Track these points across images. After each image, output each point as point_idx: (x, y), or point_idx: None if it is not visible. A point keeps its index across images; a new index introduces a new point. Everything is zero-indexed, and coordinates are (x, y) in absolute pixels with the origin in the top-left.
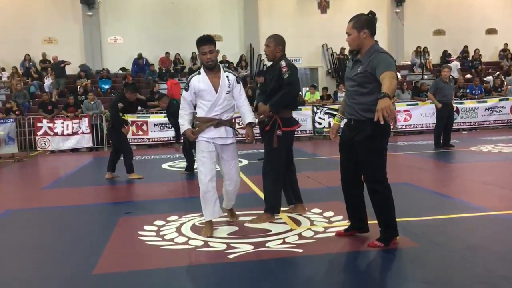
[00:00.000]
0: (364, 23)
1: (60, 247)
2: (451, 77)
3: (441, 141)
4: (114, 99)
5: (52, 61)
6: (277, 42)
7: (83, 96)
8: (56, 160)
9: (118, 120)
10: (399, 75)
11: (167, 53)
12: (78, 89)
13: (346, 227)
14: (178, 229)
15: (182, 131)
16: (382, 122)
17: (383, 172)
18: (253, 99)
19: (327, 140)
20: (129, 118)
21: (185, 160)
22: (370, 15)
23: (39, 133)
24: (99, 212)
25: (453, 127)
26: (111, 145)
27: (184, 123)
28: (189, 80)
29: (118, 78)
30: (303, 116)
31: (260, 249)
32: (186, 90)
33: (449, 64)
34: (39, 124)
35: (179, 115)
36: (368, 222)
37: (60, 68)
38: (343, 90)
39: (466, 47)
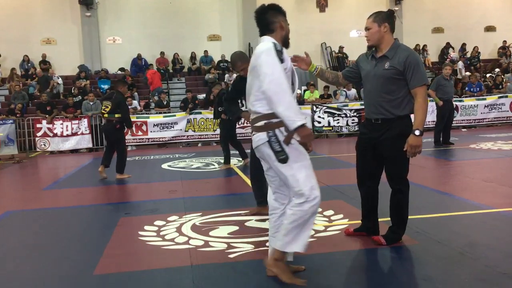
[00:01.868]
0: (385, 17)
1: (61, 248)
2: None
3: (441, 138)
4: (120, 100)
5: (38, 74)
6: (243, 61)
7: (79, 96)
8: (56, 161)
9: (129, 117)
10: None
11: (161, 53)
12: (73, 90)
13: (346, 226)
14: (179, 229)
15: (297, 124)
16: (408, 157)
17: (407, 171)
18: None
19: (326, 138)
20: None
21: (185, 160)
22: (389, 12)
23: (39, 134)
24: (99, 213)
25: (453, 124)
26: (108, 142)
27: (301, 116)
28: (281, 49)
29: (117, 78)
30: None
31: (261, 248)
32: (283, 60)
33: (448, 61)
34: (38, 125)
35: (284, 101)
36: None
37: (47, 82)
38: (343, 89)
39: (464, 44)
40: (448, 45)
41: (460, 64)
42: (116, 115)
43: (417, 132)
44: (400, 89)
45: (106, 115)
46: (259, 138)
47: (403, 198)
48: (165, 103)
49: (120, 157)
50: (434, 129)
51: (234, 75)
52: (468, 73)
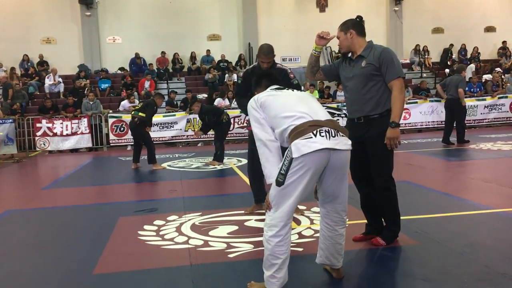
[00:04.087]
0: (349, 24)
1: (60, 247)
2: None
3: (446, 137)
4: (150, 104)
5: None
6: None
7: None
8: (56, 160)
9: (151, 121)
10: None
11: (162, 52)
12: (86, 90)
13: (346, 226)
14: (178, 229)
15: None
16: (389, 149)
17: (392, 168)
18: None
19: None
20: (129, 118)
21: (185, 159)
22: (357, 19)
23: (39, 133)
24: (99, 212)
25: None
26: (134, 139)
27: None
28: None
29: (117, 78)
30: None
31: (260, 248)
32: None
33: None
34: (38, 125)
35: None
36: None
37: (6, 91)
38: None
39: (464, 45)
40: (451, 47)
41: (472, 67)
42: (140, 114)
43: (393, 124)
44: (378, 85)
45: (133, 112)
46: (350, 143)
47: (392, 194)
48: (175, 103)
49: (149, 150)
50: (459, 129)
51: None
52: (490, 76)
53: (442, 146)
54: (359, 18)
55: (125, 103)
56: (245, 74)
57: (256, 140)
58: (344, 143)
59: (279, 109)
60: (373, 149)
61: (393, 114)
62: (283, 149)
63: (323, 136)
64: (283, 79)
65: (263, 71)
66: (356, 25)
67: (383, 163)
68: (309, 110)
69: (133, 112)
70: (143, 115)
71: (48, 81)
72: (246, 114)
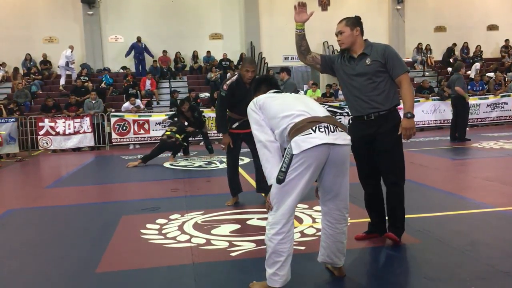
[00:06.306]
0: (356, 22)
1: (63, 246)
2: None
3: (456, 134)
4: (181, 126)
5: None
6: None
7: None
8: (58, 159)
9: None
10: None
11: (164, 51)
12: (92, 88)
13: (348, 224)
14: (180, 227)
15: None
16: (404, 140)
17: (404, 166)
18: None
19: None
20: (131, 117)
21: (186, 158)
22: (358, 17)
23: (41, 132)
24: (101, 211)
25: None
26: (160, 149)
27: None
28: None
29: (119, 77)
30: None
31: (262, 246)
32: None
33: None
34: (40, 124)
35: None
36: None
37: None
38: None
39: (466, 43)
40: (454, 46)
41: (476, 65)
42: (177, 136)
43: (409, 115)
44: (385, 81)
45: (168, 132)
46: (349, 138)
47: (401, 194)
48: (177, 101)
49: (174, 152)
50: (460, 127)
51: (237, 74)
52: (491, 74)
53: (444, 145)
54: (359, 18)
55: (127, 105)
56: (230, 87)
57: (256, 142)
58: (343, 138)
59: (277, 110)
60: (385, 145)
61: (407, 105)
62: (284, 150)
63: (322, 132)
64: None
65: (263, 76)
66: (361, 24)
67: (396, 159)
68: (307, 108)
69: (168, 133)
70: (179, 137)
71: (67, 53)
72: (220, 131)
